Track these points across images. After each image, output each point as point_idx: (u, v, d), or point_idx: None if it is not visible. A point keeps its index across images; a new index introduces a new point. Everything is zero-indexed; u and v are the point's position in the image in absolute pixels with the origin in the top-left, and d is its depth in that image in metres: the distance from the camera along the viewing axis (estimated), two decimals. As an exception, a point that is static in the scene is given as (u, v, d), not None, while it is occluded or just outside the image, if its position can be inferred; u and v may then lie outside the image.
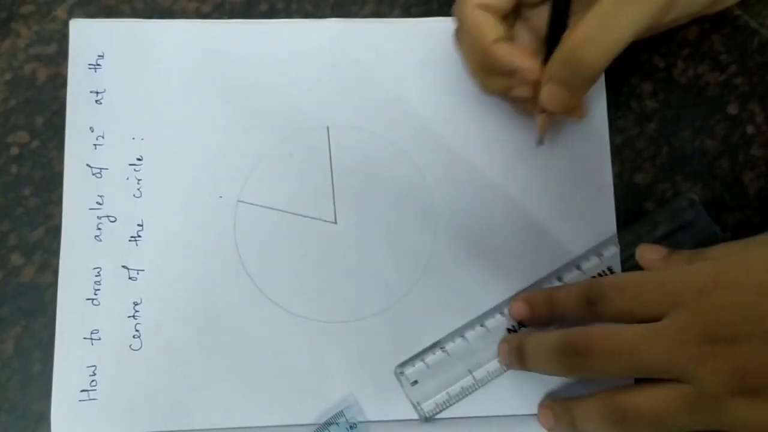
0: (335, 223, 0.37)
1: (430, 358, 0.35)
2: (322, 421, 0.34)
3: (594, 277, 0.36)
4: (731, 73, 0.39)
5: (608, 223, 0.37)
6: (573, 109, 0.33)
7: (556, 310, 0.33)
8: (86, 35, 0.38)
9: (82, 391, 0.34)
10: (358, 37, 0.38)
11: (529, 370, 0.33)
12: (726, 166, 0.38)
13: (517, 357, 0.33)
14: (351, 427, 0.34)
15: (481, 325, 0.35)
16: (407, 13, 0.39)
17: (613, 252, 0.36)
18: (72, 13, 0.38)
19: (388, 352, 0.35)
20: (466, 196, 0.37)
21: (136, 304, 0.35)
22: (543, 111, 0.33)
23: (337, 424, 0.34)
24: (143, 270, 0.35)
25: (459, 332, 0.35)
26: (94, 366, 0.34)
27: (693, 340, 0.27)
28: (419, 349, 0.35)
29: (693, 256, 0.32)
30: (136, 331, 0.35)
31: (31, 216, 0.36)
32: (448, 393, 0.35)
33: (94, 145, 0.37)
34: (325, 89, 0.38)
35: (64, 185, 0.36)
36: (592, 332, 0.30)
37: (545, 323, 0.34)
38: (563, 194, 0.37)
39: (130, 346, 0.35)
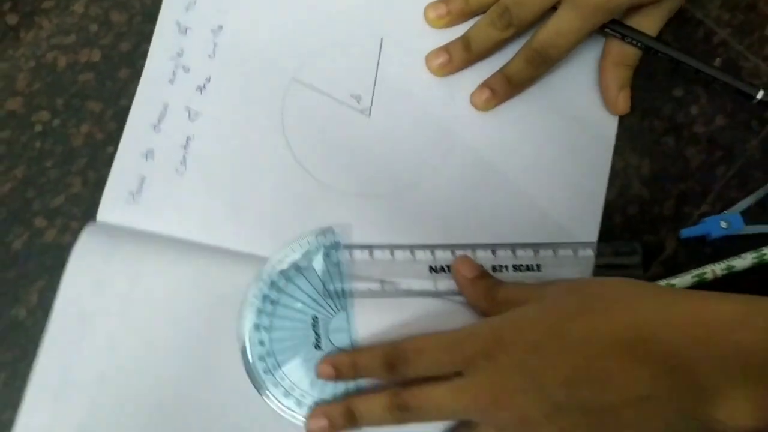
0: (369, 116, 0.42)
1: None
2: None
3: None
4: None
5: (596, 209, 0.41)
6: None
7: (361, 373, 0.36)
8: None
9: (129, 193, 0.40)
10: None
11: (358, 428, 0.36)
12: (671, 142, 0.43)
13: (345, 418, 0.35)
14: (333, 246, 0.39)
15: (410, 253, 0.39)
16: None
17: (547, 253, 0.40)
18: (88, 7, 0.43)
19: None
20: (484, 133, 0.42)
21: (189, 138, 0.41)
22: None
23: (323, 236, 0.39)
24: (201, 114, 0.41)
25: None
26: (143, 176, 0.40)
27: (484, 396, 0.33)
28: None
29: (494, 287, 0.37)
30: (183, 158, 0.40)
31: (52, 185, 0.40)
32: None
33: (186, 7, 0.43)
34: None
35: (154, 33, 0.42)
36: (410, 393, 0.34)
37: (351, 380, 0.37)
38: (559, 171, 0.42)
39: (175, 170, 0.40)
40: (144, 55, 0.42)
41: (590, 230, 0.41)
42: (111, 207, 0.40)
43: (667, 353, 0.30)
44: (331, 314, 0.38)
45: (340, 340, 0.37)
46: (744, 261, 0.40)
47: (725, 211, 0.41)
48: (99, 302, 0.38)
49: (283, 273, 0.38)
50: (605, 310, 0.32)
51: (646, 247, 0.41)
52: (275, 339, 0.37)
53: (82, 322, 0.37)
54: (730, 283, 0.40)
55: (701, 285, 0.40)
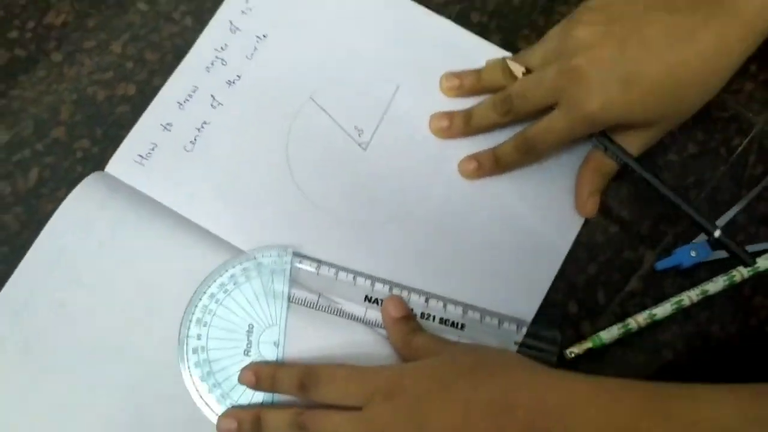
0: (365, 150, 0.46)
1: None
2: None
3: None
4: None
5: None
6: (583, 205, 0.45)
7: (277, 386, 0.39)
8: None
9: (139, 155, 0.44)
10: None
11: None
12: (648, 167, 0.47)
13: (252, 425, 0.38)
14: (286, 254, 0.42)
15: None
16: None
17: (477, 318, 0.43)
18: (125, 47, 0.48)
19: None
20: (461, 196, 0.45)
21: (205, 123, 0.45)
22: None
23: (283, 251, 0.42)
24: (223, 105, 0.46)
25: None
26: (156, 144, 0.44)
27: (374, 430, 0.35)
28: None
29: (411, 332, 0.41)
30: (194, 139, 0.45)
31: (92, 205, 0.45)
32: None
33: (242, 11, 0.48)
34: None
35: (208, 25, 0.47)
36: (311, 415, 0.37)
37: (268, 391, 0.40)
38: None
39: (184, 147, 0.45)
40: (174, 90, 0.46)
41: (528, 309, 0.43)
42: (120, 163, 0.44)
43: (527, 420, 0.34)
44: (266, 324, 0.41)
45: (268, 351, 0.41)
46: (716, 285, 0.44)
47: (693, 241, 0.45)
48: (80, 242, 0.42)
49: (233, 277, 0.42)
50: (488, 375, 0.36)
51: (627, 262, 0.45)
52: (211, 337, 0.41)
53: (59, 255, 0.42)
54: (705, 306, 0.44)
55: (680, 311, 0.43)
